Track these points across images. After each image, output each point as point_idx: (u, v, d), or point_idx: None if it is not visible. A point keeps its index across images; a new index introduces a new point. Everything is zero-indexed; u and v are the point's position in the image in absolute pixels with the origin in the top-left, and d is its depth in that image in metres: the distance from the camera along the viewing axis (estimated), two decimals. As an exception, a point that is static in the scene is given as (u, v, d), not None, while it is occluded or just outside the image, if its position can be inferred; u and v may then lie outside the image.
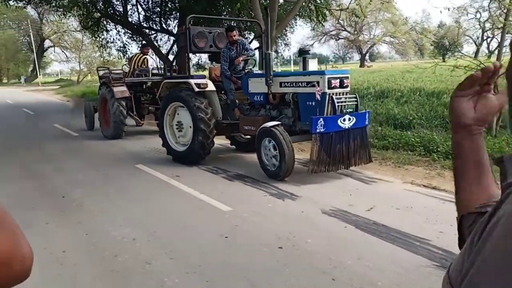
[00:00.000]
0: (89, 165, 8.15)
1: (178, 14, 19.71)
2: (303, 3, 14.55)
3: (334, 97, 6.31)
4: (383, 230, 4.37)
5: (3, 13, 60.87)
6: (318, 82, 6.34)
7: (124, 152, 9.33)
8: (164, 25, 19.44)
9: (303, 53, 7.50)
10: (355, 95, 6.70)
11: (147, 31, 20.37)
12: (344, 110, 6.43)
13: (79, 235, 4.57)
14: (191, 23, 9.65)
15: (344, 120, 6.24)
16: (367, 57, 75.72)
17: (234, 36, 7.59)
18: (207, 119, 7.44)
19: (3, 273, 0.64)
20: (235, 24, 10.36)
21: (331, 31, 70.57)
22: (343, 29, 69.09)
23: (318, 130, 6.07)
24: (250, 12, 17.44)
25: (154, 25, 19.88)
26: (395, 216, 4.81)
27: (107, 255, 4.02)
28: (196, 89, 7.52)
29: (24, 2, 19.86)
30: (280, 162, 6.35)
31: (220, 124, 7.77)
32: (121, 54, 22.19)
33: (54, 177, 7.23)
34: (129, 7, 19.91)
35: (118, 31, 21.89)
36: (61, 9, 20.73)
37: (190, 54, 8.85)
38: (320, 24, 15.43)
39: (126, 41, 21.96)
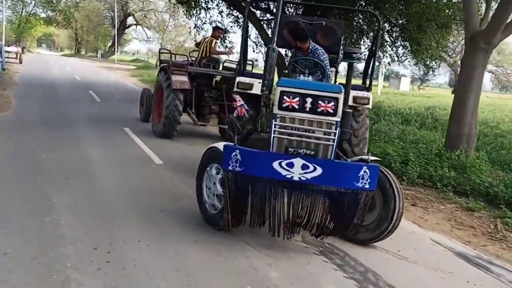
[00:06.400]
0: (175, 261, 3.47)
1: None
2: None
3: (275, 122, 4.25)
4: None
5: (91, -17, 59.40)
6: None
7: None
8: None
9: (347, 56, 5.51)
10: (334, 131, 4.21)
11: (258, 12, 15.56)
12: (293, 149, 4.07)
13: None
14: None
15: (291, 165, 3.93)
16: None
17: (297, 44, 5.49)
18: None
19: None
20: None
21: None
22: None
23: (230, 167, 4.05)
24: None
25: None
26: None
27: None
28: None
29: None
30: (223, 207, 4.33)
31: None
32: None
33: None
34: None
35: (221, 11, 17.23)
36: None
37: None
38: None
39: (228, 24, 17.28)
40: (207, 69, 9.81)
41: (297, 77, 5.04)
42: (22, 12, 62.78)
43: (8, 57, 22.40)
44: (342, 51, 5.88)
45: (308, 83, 4.47)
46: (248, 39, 16.88)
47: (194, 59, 10.33)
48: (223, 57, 10.93)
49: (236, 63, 10.49)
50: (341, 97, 4.23)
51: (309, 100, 4.21)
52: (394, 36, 15.24)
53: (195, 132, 10.26)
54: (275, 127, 4.26)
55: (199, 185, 4.82)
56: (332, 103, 4.18)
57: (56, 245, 3.83)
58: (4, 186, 5.26)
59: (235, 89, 6.10)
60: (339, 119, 4.22)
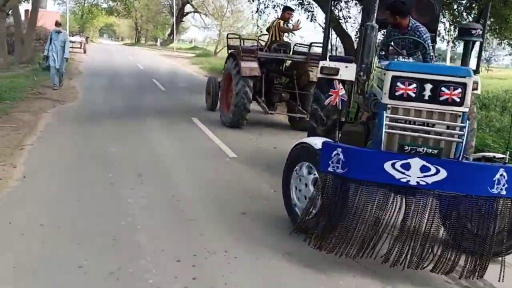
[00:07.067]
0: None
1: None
2: None
3: (387, 114, 3.56)
4: None
5: (150, -28, 60.05)
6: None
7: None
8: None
9: (464, 32, 4.74)
10: (463, 125, 3.48)
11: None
12: (410, 148, 3.30)
13: None
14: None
15: (407, 167, 3.21)
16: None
17: (396, 20, 4.79)
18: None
19: None
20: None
21: None
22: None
23: (330, 169, 3.38)
24: None
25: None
26: None
27: None
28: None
29: None
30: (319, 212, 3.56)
31: None
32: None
33: None
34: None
35: (285, -8, 16.46)
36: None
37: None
38: None
39: (294, 7, 16.42)
40: (277, 54, 9.21)
41: (395, 59, 4.36)
42: (84, 3, 64.66)
43: (72, 47, 22.78)
44: (458, 27, 5.07)
45: (428, 65, 3.78)
46: (315, 20, 16.15)
47: (262, 44, 9.74)
48: (293, 40, 10.34)
49: (307, 46, 9.83)
50: (470, 82, 3.48)
51: (428, 86, 3.49)
52: (474, 13, 13.90)
53: (263, 121, 9.71)
54: (385, 120, 3.57)
55: (285, 185, 4.21)
56: (459, 90, 3.45)
57: (135, 256, 3.37)
58: (75, 184, 4.93)
59: (318, 74, 5.46)
60: (467, 110, 3.48)
